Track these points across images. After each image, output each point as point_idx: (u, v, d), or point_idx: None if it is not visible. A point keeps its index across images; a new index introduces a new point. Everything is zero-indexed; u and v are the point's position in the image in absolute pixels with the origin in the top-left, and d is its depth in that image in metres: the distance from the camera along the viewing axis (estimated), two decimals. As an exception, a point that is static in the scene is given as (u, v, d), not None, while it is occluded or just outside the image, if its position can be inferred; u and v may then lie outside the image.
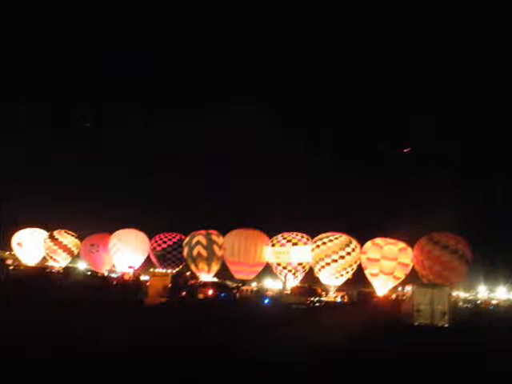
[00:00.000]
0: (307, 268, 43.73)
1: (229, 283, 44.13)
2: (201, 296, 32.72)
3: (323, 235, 42.36)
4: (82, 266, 53.67)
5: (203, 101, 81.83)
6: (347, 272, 41.47)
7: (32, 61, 64.58)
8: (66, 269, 49.83)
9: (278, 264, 43.72)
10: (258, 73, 74.59)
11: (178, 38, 73.84)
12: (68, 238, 51.89)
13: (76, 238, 52.29)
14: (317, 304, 34.71)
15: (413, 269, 40.03)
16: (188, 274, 45.52)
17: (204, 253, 45.27)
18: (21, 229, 53.26)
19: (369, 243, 41.15)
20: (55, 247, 51.24)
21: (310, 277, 43.83)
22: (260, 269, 45.60)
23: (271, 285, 48.44)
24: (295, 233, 44.34)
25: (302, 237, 43.87)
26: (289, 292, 39.00)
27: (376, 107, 72.66)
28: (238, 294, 38.24)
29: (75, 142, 71.11)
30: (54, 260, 51.74)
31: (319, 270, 41.94)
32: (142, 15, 61.67)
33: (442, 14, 51.83)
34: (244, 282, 45.10)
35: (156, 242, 49.00)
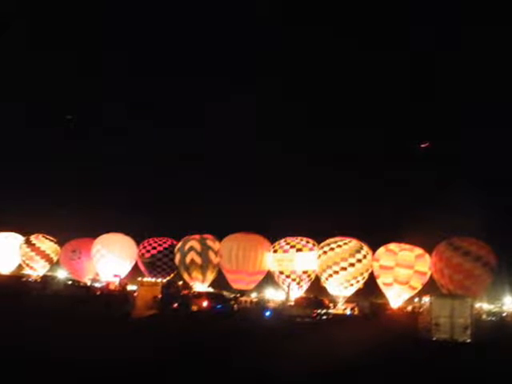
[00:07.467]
0: (313, 277, 43.73)
1: (226, 294, 44.07)
2: (194, 308, 32.63)
3: (331, 240, 42.35)
4: (61, 274, 53.65)
5: (202, 100, 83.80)
6: (358, 281, 41.47)
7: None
8: (45, 277, 49.77)
9: (281, 272, 43.69)
10: (256, 73, 76.61)
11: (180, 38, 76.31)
12: (46, 244, 51.88)
13: (55, 243, 52.31)
14: (324, 317, 34.63)
15: (431, 278, 40.05)
16: (180, 283, 45.46)
17: (198, 260, 45.24)
18: (-6, 233, 53.25)
19: (382, 249, 41.14)
20: (32, 253, 51.24)
21: (317, 286, 43.84)
22: (260, 277, 45.59)
23: (273, 295, 48.38)
24: (299, 237, 44.32)
25: (308, 242, 43.84)
26: (292, 303, 38.90)
27: (393, 106, 74.13)
28: (235, 306, 38.14)
29: (58, 141, 71.83)
30: (31, 268, 51.73)
31: (326, 278, 41.92)
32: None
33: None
34: (243, 293, 45.05)
35: (144, 247, 48.97)
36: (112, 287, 46.21)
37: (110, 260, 48.26)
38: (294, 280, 43.34)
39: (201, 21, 71.93)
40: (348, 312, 42.15)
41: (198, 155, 75.44)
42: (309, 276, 43.56)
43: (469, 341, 22.41)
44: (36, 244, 51.61)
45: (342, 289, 41.78)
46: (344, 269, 40.93)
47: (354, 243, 41.64)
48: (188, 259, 45.33)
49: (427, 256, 40.15)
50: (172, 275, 48.19)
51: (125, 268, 49.15)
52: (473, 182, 59.35)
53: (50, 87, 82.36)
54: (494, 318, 46.57)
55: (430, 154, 62.37)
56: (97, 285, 48.27)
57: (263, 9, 57.56)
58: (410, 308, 43.96)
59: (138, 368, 11.77)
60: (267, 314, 35.88)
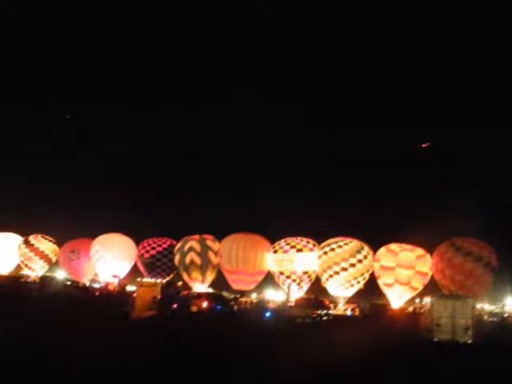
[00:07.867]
0: (313, 277, 43.67)
1: (225, 294, 44.07)
2: (194, 309, 32.68)
3: (331, 240, 42.30)
4: (60, 274, 53.61)
5: (202, 100, 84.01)
6: (358, 282, 41.41)
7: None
8: (43, 278, 49.78)
9: (281, 273, 43.66)
10: (255, 72, 76.99)
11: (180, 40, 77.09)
12: (45, 244, 51.81)
13: (54, 243, 52.23)
14: (324, 318, 34.65)
15: (432, 278, 39.97)
16: (180, 283, 45.48)
17: (198, 260, 45.20)
18: (-8, 233, 53.20)
19: (383, 249, 41.09)
20: (31, 254, 51.19)
21: (317, 287, 43.77)
22: (260, 278, 45.53)
23: (273, 296, 48.35)
24: (300, 238, 44.29)
25: (308, 242, 43.80)
26: (293, 304, 38.93)
27: (393, 106, 74.34)
28: (235, 307, 38.17)
29: (54, 140, 71.70)
30: (30, 268, 51.67)
31: (327, 279, 41.89)
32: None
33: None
34: (243, 293, 45.03)
35: (144, 247, 48.94)
36: (111, 288, 46.21)
37: (109, 260, 48.20)
38: (294, 281, 43.30)
39: (200, 20, 71.98)
40: (348, 313, 42.14)
41: (198, 155, 75.21)
42: (309, 276, 43.52)
43: (470, 341, 22.42)
44: (35, 244, 51.54)
45: (342, 289, 41.72)
46: (344, 269, 40.87)
47: (354, 243, 41.60)
48: (188, 260, 45.27)
49: (428, 256, 40.10)
50: (171, 276, 48.15)
51: (124, 268, 49.10)
52: (473, 181, 59.21)
53: (50, 87, 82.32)
54: (495, 319, 46.58)
55: (430, 154, 62.44)
56: (96, 285, 48.26)
57: (263, 9, 57.65)
58: (411, 309, 43.86)
59: (137, 368, 11.78)
60: (267, 314, 35.91)
